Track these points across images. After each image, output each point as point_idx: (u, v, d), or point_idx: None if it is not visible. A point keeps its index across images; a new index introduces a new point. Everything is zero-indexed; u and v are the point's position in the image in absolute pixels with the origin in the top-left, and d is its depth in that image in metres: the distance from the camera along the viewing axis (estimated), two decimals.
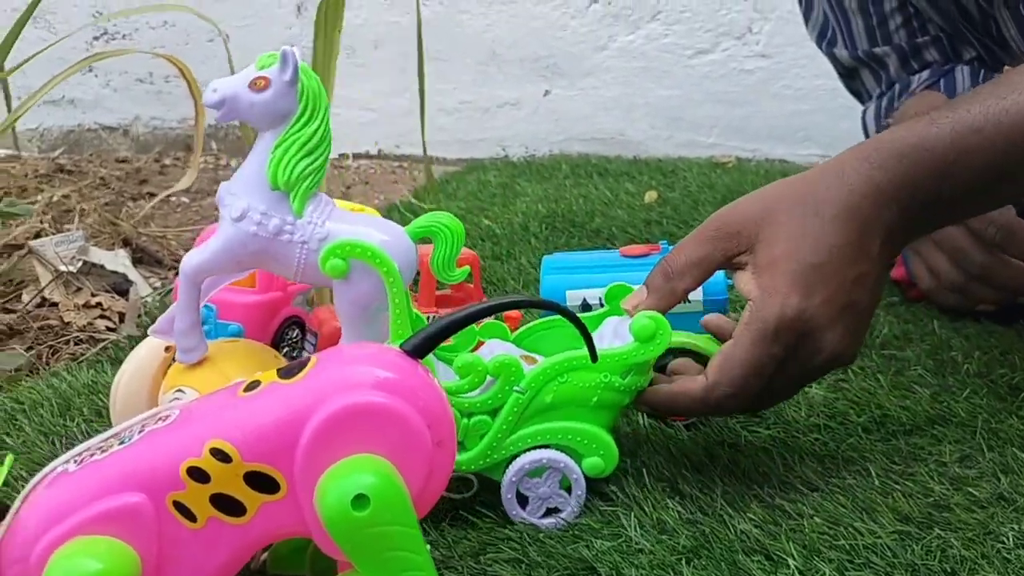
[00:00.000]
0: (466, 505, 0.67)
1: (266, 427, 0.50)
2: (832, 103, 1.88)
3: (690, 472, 0.71)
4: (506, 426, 0.66)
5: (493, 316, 0.76)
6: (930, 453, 0.74)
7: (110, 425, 0.77)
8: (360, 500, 0.49)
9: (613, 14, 1.98)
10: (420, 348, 0.55)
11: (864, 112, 1.18)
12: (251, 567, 0.57)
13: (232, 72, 1.18)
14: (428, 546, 0.52)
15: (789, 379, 0.67)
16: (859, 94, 1.21)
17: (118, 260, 1.22)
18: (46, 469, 0.52)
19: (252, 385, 0.53)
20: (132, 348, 0.91)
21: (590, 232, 1.35)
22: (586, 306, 0.83)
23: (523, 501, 0.67)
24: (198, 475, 0.50)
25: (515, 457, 0.66)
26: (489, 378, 0.66)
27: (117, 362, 0.94)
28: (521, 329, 0.74)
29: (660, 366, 0.72)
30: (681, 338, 0.74)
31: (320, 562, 0.57)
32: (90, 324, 1.09)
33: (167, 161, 2.03)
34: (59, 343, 1.05)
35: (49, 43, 1.24)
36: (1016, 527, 0.63)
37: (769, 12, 1.93)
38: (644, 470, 0.71)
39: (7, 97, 1.44)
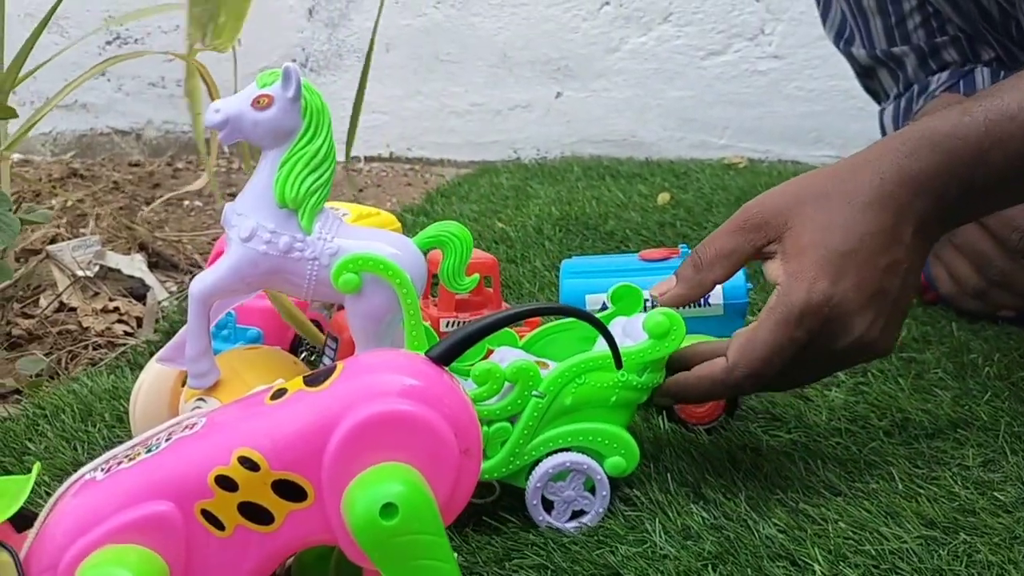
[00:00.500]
0: (489, 510, 0.67)
1: (293, 435, 0.50)
2: (845, 104, 1.88)
3: (713, 477, 0.71)
4: (527, 431, 0.66)
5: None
6: (953, 457, 0.74)
7: (131, 431, 0.77)
8: (388, 509, 0.49)
9: (625, 16, 1.98)
10: (445, 355, 0.55)
11: (882, 112, 1.18)
12: (276, 574, 0.57)
13: (236, 73, 1.18)
14: (455, 554, 0.52)
15: (812, 363, 0.67)
16: (876, 94, 1.21)
17: (134, 264, 1.22)
18: (73, 477, 0.52)
19: (279, 393, 0.53)
20: (151, 353, 0.91)
21: (604, 234, 1.34)
22: (605, 310, 0.83)
23: (548, 506, 0.67)
24: (226, 483, 0.50)
25: (538, 462, 0.67)
26: (506, 385, 0.66)
27: (137, 367, 0.94)
28: (529, 335, 0.74)
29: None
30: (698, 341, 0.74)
31: (345, 569, 0.57)
32: (108, 329, 1.09)
33: (180, 165, 2.03)
34: (78, 348, 1.05)
35: (62, 48, 1.24)
36: None
37: (781, 13, 1.93)
38: (668, 475, 0.71)
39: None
